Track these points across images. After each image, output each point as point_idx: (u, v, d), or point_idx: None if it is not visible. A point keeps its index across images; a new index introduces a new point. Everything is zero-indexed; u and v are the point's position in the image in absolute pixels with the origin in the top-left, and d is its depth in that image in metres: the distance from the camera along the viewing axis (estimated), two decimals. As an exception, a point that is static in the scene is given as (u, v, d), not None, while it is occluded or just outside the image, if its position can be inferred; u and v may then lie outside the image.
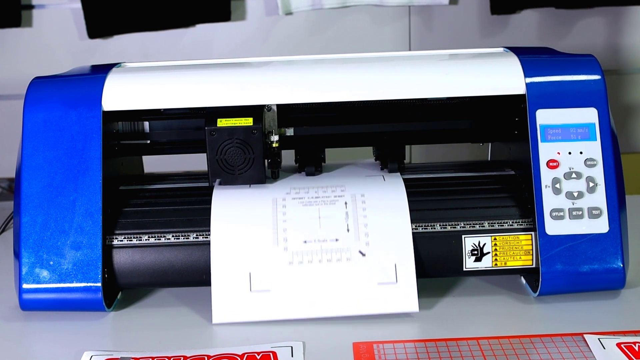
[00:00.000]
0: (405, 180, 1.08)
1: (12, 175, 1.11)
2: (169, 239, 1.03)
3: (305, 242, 1.01)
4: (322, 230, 1.02)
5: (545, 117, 1.03)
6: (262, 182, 1.07)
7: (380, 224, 1.02)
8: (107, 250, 1.03)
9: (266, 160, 1.08)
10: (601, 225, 1.01)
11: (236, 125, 1.05)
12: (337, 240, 1.01)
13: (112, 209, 1.05)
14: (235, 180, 1.07)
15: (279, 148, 1.10)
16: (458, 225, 1.04)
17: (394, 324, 0.98)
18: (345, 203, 1.03)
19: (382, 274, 0.99)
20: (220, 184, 1.07)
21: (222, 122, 1.05)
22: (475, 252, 1.03)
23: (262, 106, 1.07)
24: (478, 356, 0.90)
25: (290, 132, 1.12)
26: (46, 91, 1.05)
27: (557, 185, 1.02)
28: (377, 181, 1.08)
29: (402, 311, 0.98)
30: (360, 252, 1.00)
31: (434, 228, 1.04)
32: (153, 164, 1.31)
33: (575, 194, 1.02)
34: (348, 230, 1.01)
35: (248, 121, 1.05)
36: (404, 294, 0.99)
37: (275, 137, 1.08)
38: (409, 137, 1.16)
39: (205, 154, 1.05)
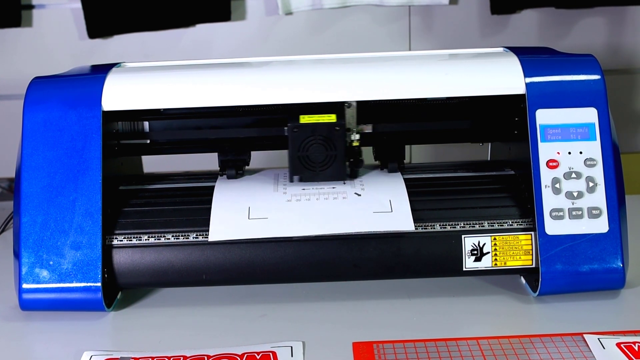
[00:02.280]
0: (405, 180, 1.08)
1: (12, 175, 1.11)
2: (169, 239, 1.03)
3: (303, 189, 1.05)
4: (321, 184, 1.06)
5: (545, 117, 1.03)
6: (342, 179, 1.08)
7: (376, 180, 1.08)
8: (107, 250, 1.03)
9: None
10: (601, 225, 1.01)
11: (319, 121, 1.05)
12: (334, 187, 1.06)
13: (112, 209, 1.05)
14: (315, 177, 1.07)
15: (360, 146, 1.10)
16: (458, 225, 1.04)
17: (393, 324, 0.98)
18: (344, 182, 1.08)
19: (378, 206, 1.02)
20: (300, 180, 1.08)
21: (304, 119, 1.05)
22: (475, 252, 1.03)
23: (343, 102, 1.07)
24: (478, 356, 0.90)
25: (369, 129, 1.13)
26: (46, 91, 1.05)
27: (557, 185, 1.02)
28: (376, 172, 1.12)
29: (398, 229, 1.00)
30: (356, 193, 1.03)
31: (434, 228, 1.04)
32: (153, 164, 1.31)
33: (575, 194, 1.02)
34: (344, 183, 1.07)
35: (331, 118, 1.05)
36: (399, 218, 1.01)
37: (356, 136, 1.09)
38: (409, 137, 1.16)
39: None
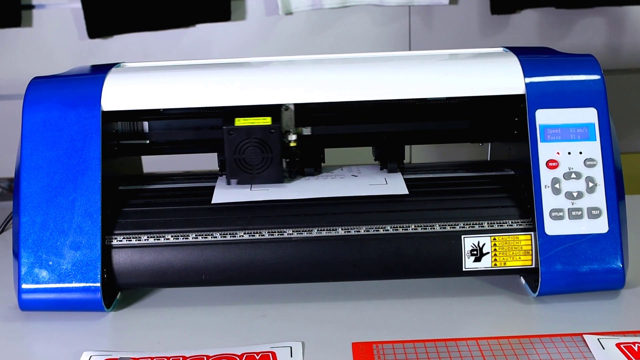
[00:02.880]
0: (405, 180, 1.08)
1: (12, 175, 1.11)
2: (169, 239, 1.03)
3: (307, 179, 1.11)
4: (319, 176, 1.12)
5: (544, 117, 1.03)
6: (280, 181, 1.08)
7: (372, 170, 1.13)
8: (107, 251, 1.03)
9: (284, 160, 1.09)
10: (601, 226, 1.01)
11: (254, 124, 1.05)
12: (331, 172, 1.13)
13: (112, 209, 1.05)
14: (253, 179, 1.07)
15: (297, 147, 1.10)
16: (457, 225, 1.04)
17: (393, 324, 0.98)
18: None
19: (374, 181, 1.09)
20: (237, 183, 1.08)
21: (240, 122, 1.05)
22: (475, 252, 1.03)
23: (280, 105, 1.07)
24: (477, 356, 0.90)
25: (307, 131, 1.12)
26: (45, 91, 1.05)
27: (557, 186, 1.02)
28: (375, 172, 1.13)
29: (392, 192, 1.05)
30: (353, 175, 1.08)
31: (434, 228, 1.03)
32: (152, 164, 1.31)
33: (575, 194, 1.02)
34: (342, 169, 1.13)
35: (266, 120, 1.05)
36: (394, 188, 1.06)
37: (293, 137, 1.08)
38: (409, 137, 1.16)
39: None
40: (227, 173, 1.07)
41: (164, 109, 1.13)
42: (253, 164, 1.06)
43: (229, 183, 1.08)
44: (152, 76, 1.08)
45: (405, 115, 1.14)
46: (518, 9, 1.89)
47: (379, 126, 1.14)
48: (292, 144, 1.09)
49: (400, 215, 1.04)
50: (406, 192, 1.05)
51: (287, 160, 1.09)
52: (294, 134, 1.08)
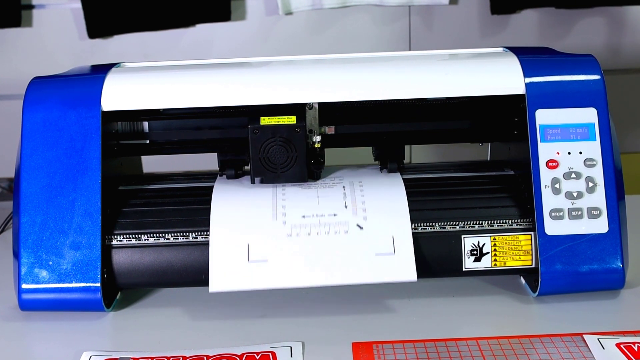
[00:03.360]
0: (404, 180, 1.08)
1: (12, 175, 1.11)
2: (168, 239, 1.03)
3: (303, 216, 1.01)
4: (321, 206, 1.02)
5: (544, 117, 1.03)
6: (304, 180, 1.07)
7: (378, 200, 1.03)
8: (107, 251, 1.03)
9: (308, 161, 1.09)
10: (600, 225, 1.01)
11: (279, 123, 1.05)
12: (335, 215, 1.02)
13: (112, 209, 1.05)
14: (277, 178, 1.07)
15: (322, 147, 1.10)
16: (457, 225, 1.04)
17: (393, 324, 0.98)
18: (344, 187, 1.05)
19: (380, 245, 1.00)
20: (262, 182, 1.07)
21: (265, 121, 1.05)
22: (475, 252, 1.03)
23: (304, 104, 1.07)
24: (477, 356, 0.90)
25: (331, 130, 1.12)
26: (45, 91, 1.05)
27: (557, 186, 1.02)
28: (375, 173, 1.10)
29: (400, 280, 0.98)
30: (358, 225, 1.01)
31: (434, 228, 1.03)
32: (152, 164, 1.31)
33: (575, 194, 1.02)
34: (346, 206, 1.02)
35: (291, 119, 1.05)
36: (401, 264, 0.99)
37: (317, 138, 1.08)
38: (409, 137, 1.16)
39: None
40: (251, 172, 1.07)
41: (163, 109, 1.13)
42: (278, 163, 1.06)
43: (253, 182, 1.08)
44: (152, 76, 1.09)
45: (406, 115, 1.14)
46: (518, 9, 1.89)
47: (379, 126, 1.14)
48: (316, 145, 1.09)
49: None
50: (415, 278, 0.98)
51: (312, 160, 1.09)
52: (318, 133, 1.09)
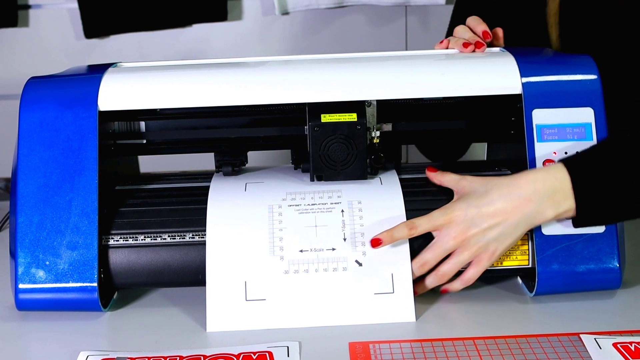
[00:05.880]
0: (402, 180, 1.08)
1: (9, 175, 1.11)
2: (165, 239, 1.03)
3: (301, 251, 1.00)
4: (319, 239, 1.01)
5: (541, 116, 1.03)
6: (363, 177, 1.07)
7: (378, 229, 1.00)
8: (103, 250, 1.02)
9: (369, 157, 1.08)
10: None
11: (340, 120, 1.05)
12: (333, 249, 1.00)
13: (108, 209, 1.05)
14: (337, 176, 1.07)
15: (380, 144, 1.09)
16: (454, 225, 1.03)
17: (390, 324, 0.98)
18: (342, 211, 1.03)
19: (379, 284, 0.99)
20: (322, 179, 1.07)
21: (325, 118, 1.05)
22: (472, 252, 1.03)
23: (364, 101, 1.07)
24: (474, 356, 0.90)
25: (388, 127, 1.12)
26: (42, 91, 1.05)
27: (554, 185, 1.02)
28: (374, 185, 1.07)
29: (399, 321, 0.98)
30: (357, 261, 1.00)
31: (431, 228, 1.03)
32: (149, 164, 1.31)
33: (572, 194, 1.02)
34: (345, 239, 1.01)
35: (352, 116, 1.05)
36: (400, 303, 0.99)
37: (376, 133, 1.08)
38: (406, 137, 1.16)
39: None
40: (311, 169, 1.07)
41: (160, 109, 1.13)
42: (337, 160, 1.06)
43: (312, 179, 1.08)
44: (148, 76, 1.08)
45: (402, 115, 1.13)
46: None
47: (376, 126, 1.14)
48: (375, 141, 1.08)
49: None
50: (413, 319, 0.98)
51: (372, 156, 1.08)
52: (377, 130, 1.08)
